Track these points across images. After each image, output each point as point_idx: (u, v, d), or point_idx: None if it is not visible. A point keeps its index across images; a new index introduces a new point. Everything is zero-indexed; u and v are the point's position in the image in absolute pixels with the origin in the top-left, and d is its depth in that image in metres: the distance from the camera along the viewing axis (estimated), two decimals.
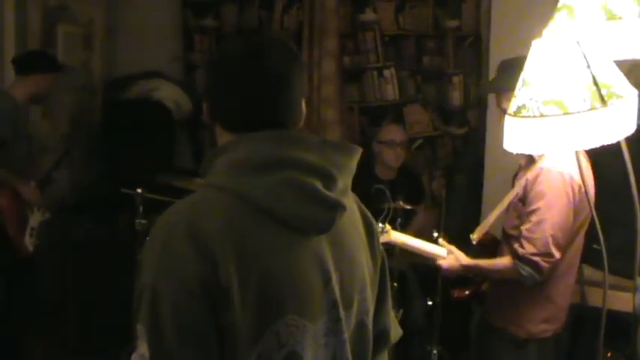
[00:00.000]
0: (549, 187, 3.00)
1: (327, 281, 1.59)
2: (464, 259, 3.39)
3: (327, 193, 1.55)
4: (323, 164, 1.56)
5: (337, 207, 1.58)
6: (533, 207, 3.03)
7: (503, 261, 3.17)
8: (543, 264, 3.00)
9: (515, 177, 3.35)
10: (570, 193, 2.98)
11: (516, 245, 3.08)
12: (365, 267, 1.74)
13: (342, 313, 1.63)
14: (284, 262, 1.51)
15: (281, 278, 1.50)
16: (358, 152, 1.68)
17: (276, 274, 1.49)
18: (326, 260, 1.60)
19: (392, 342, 1.95)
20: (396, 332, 1.96)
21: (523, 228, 3.06)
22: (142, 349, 1.42)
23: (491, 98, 4.65)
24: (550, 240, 2.98)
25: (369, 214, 1.84)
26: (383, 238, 3.64)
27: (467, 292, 3.65)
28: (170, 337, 1.40)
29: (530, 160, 3.13)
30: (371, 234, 1.81)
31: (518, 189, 3.15)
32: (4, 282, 4.75)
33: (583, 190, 2.96)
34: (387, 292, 1.90)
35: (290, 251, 1.53)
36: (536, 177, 3.04)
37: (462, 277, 3.60)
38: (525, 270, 3.04)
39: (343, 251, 1.66)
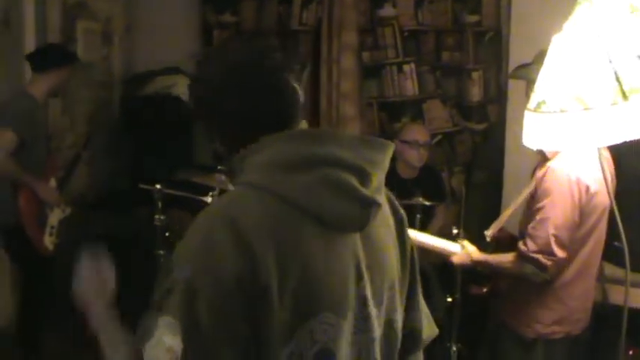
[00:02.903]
0: (554, 186, 2.98)
1: (359, 278, 1.59)
2: (475, 254, 3.38)
3: (363, 190, 1.54)
4: (357, 161, 1.55)
5: (373, 204, 1.57)
6: (539, 205, 3.03)
7: (510, 258, 3.16)
8: (545, 261, 2.98)
9: (533, 173, 3.33)
10: (576, 193, 2.96)
11: (520, 243, 3.07)
12: (394, 263, 1.73)
13: (372, 310, 1.62)
14: (320, 259, 1.51)
15: (318, 276, 1.50)
16: (391, 148, 1.67)
17: (313, 272, 1.49)
18: (359, 257, 1.60)
19: (425, 341, 1.91)
20: (429, 330, 1.92)
21: (529, 226, 3.05)
22: (170, 341, 1.41)
23: (513, 93, 4.61)
24: (552, 239, 2.97)
25: (399, 207, 1.82)
26: None
27: (484, 289, 3.63)
28: (207, 335, 1.40)
29: (544, 158, 3.11)
30: (401, 228, 1.79)
31: (531, 187, 3.14)
32: (24, 281, 4.79)
33: (593, 191, 2.95)
34: (416, 287, 1.89)
35: (326, 249, 1.53)
36: (544, 175, 3.03)
37: (481, 273, 3.59)
38: (528, 268, 3.03)
39: (374, 248, 1.65)
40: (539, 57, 3.25)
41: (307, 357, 1.49)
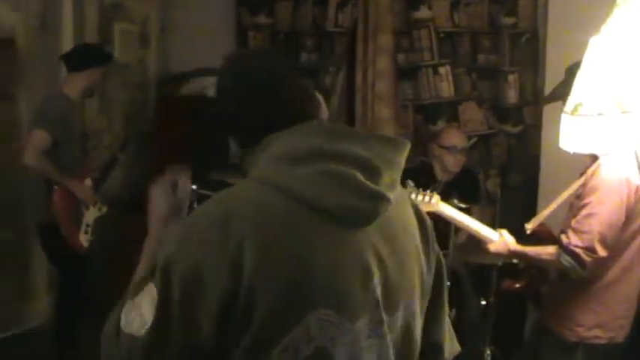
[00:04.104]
0: (603, 184, 2.95)
1: (367, 279, 1.55)
2: (512, 244, 3.35)
3: (367, 183, 1.52)
4: (366, 156, 1.54)
5: (379, 198, 1.54)
6: (586, 201, 3.00)
7: (549, 250, 3.13)
8: (585, 257, 2.95)
9: (581, 175, 3.29)
10: (625, 192, 2.94)
11: (563, 235, 3.04)
12: (415, 270, 1.69)
13: (384, 315, 1.59)
14: (321, 255, 1.49)
15: (313, 269, 1.48)
16: (406, 146, 1.66)
17: (310, 267, 1.48)
18: (368, 257, 1.55)
19: (447, 358, 1.87)
20: (452, 347, 1.88)
21: (573, 220, 3.02)
22: (146, 309, 1.45)
23: (548, 93, 4.58)
24: (596, 236, 2.94)
25: (426, 217, 1.79)
26: (429, 207, 3.59)
27: (517, 285, 3.59)
28: (172, 317, 1.43)
29: (594, 158, 3.08)
30: (425, 236, 1.76)
31: (577, 185, 3.11)
32: (60, 279, 4.83)
33: None
34: (441, 299, 1.85)
35: (331, 245, 1.51)
36: (593, 173, 2.99)
37: (515, 269, 3.56)
38: (567, 260, 3.00)
39: (391, 251, 1.61)
40: (569, 72, 3.24)
41: (302, 353, 1.47)
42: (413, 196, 3.61)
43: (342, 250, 1.53)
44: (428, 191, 3.66)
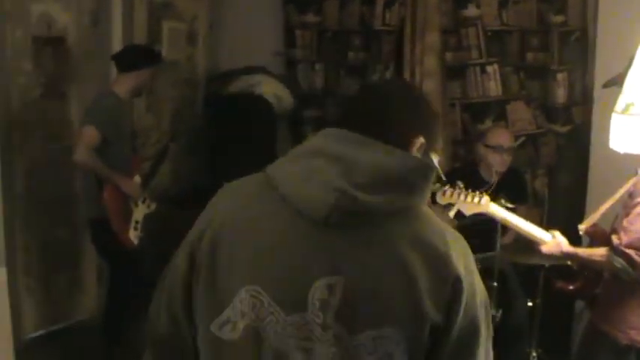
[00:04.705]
0: None
1: (313, 278, 1.51)
2: (564, 245, 3.31)
3: (336, 178, 1.50)
4: (360, 159, 1.52)
5: (341, 192, 1.49)
6: (638, 199, 2.95)
7: (601, 251, 3.08)
8: (637, 258, 2.90)
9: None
10: None
11: (614, 237, 3.00)
12: (398, 299, 1.51)
13: (334, 322, 1.51)
14: (270, 236, 1.56)
15: (260, 248, 1.56)
16: (427, 171, 1.60)
17: (255, 244, 1.56)
18: (327, 258, 1.51)
19: None
20: None
21: (625, 219, 2.98)
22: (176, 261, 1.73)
23: (599, 95, 4.53)
24: None
25: (457, 270, 1.56)
26: (478, 208, 3.58)
27: (570, 287, 3.55)
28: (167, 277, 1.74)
29: None
30: (438, 283, 1.54)
31: (630, 183, 3.07)
32: (110, 274, 4.89)
33: None
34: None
35: (284, 231, 1.55)
36: None
37: (569, 270, 3.52)
38: (619, 262, 2.95)
39: (363, 265, 1.52)
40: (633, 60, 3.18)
41: (238, 329, 1.55)
42: (462, 197, 3.59)
43: (298, 242, 1.54)
44: (477, 192, 3.64)
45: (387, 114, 1.65)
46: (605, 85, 3.52)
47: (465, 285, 1.56)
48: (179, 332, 1.71)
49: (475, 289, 1.60)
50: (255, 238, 1.57)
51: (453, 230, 1.65)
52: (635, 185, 3.02)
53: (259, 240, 1.56)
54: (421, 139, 1.66)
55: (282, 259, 1.54)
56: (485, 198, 3.63)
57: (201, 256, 1.62)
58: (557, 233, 3.39)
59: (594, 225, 3.31)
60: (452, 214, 3.62)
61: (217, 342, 1.57)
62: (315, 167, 1.54)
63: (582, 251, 3.26)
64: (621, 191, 3.14)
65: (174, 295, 1.70)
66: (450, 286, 1.54)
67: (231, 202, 1.67)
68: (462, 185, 3.63)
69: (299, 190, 1.53)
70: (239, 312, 1.54)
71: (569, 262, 3.53)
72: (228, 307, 1.55)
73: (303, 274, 1.52)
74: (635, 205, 2.95)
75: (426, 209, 1.63)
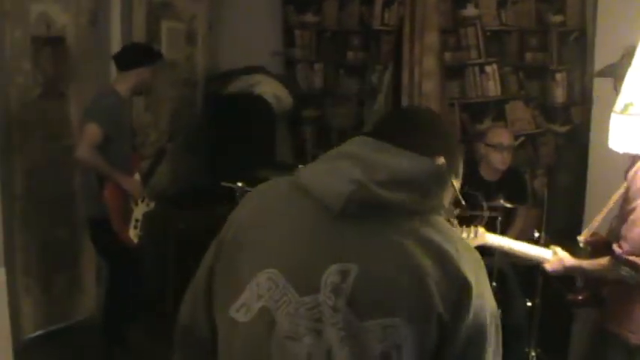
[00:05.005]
0: None
1: (328, 263, 1.56)
2: (567, 260, 3.31)
3: (358, 174, 1.58)
4: (382, 161, 1.61)
5: (356, 183, 1.56)
6: (632, 205, 2.93)
7: (603, 261, 3.08)
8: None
9: (626, 173, 3.25)
10: None
11: (615, 245, 2.99)
12: (407, 300, 1.54)
13: (339, 302, 1.54)
14: (290, 225, 1.64)
15: (279, 237, 1.64)
16: (444, 180, 1.69)
17: (276, 232, 1.64)
18: (340, 248, 1.57)
19: None
20: None
21: (622, 227, 2.97)
22: None
23: (599, 95, 4.52)
24: None
25: (464, 273, 1.57)
26: (477, 241, 3.60)
27: (580, 297, 3.54)
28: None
29: (634, 159, 3.03)
30: (447, 283, 1.56)
31: (623, 188, 3.07)
32: (109, 273, 4.90)
33: None
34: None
35: (303, 220, 1.63)
36: (635, 174, 2.94)
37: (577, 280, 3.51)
38: (624, 270, 2.94)
39: (376, 261, 1.56)
40: (629, 52, 3.17)
41: (253, 311, 1.59)
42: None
43: (315, 230, 1.61)
44: (472, 227, 3.67)
45: (412, 130, 1.75)
46: (599, 74, 3.51)
47: (475, 292, 1.57)
48: (197, 321, 1.80)
49: (485, 301, 1.61)
50: (275, 226, 1.66)
51: (467, 243, 1.70)
52: (626, 190, 3.01)
53: (279, 228, 1.65)
54: (442, 159, 1.73)
55: (300, 245, 1.61)
56: (481, 230, 3.68)
57: (225, 246, 1.73)
58: (558, 249, 3.38)
59: (593, 234, 3.31)
60: None
61: (232, 324, 1.62)
62: (339, 165, 1.63)
63: (586, 263, 3.25)
64: (615, 197, 3.14)
65: (198, 283, 1.79)
66: (459, 288, 1.56)
67: (258, 197, 1.78)
68: (455, 222, 3.64)
69: (320, 182, 1.63)
70: (255, 295, 1.59)
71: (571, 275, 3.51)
72: (245, 291, 1.61)
73: (318, 258, 1.57)
74: (630, 212, 2.94)
75: (442, 220, 1.67)
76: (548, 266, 3.38)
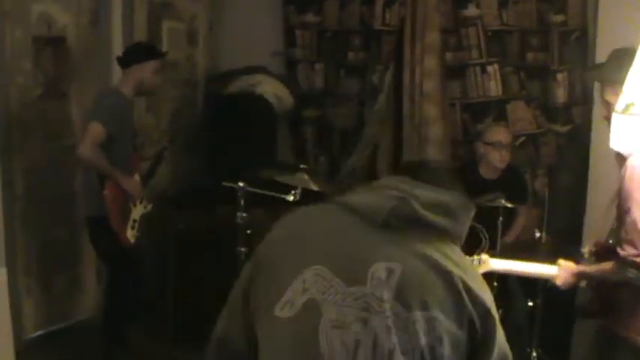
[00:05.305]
0: (635, 186, 2.87)
1: (373, 259, 1.69)
2: (573, 269, 3.30)
3: (402, 192, 1.77)
4: (416, 190, 1.78)
5: (399, 199, 1.75)
6: (625, 207, 2.92)
7: (607, 265, 3.07)
8: None
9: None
10: None
11: (619, 248, 2.98)
12: (444, 299, 1.69)
13: (386, 295, 1.65)
14: (336, 234, 1.78)
15: (324, 240, 1.77)
16: (468, 209, 1.87)
17: (320, 237, 1.78)
18: (384, 249, 1.72)
19: None
20: None
21: (621, 230, 2.96)
22: None
23: (598, 91, 4.52)
24: None
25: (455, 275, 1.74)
26: (482, 269, 3.60)
27: (592, 309, 3.52)
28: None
29: (622, 158, 3.01)
30: (453, 294, 1.71)
31: (615, 193, 3.06)
32: (109, 273, 4.89)
33: None
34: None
35: (347, 229, 1.78)
36: (623, 175, 2.93)
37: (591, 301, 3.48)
38: (631, 272, 2.93)
39: (415, 263, 1.71)
40: (614, 56, 3.16)
41: (297, 305, 1.67)
42: None
43: (359, 236, 1.75)
44: (474, 256, 3.67)
45: (437, 178, 1.90)
46: (586, 77, 3.49)
47: (492, 313, 1.75)
48: (232, 334, 1.88)
49: (497, 329, 1.77)
50: (317, 233, 1.80)
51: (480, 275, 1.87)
52: (620, 187, 3.00)
53: (322, 233, 1.80)
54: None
55: (345, 244, 1.75)
56: (484, 257, 3.67)
57: (263, 257, 1.84)
58: (561, 261, 3.37)
59: (596, 243, 3.30)
60: None
61: (277, 321, 1.69)
62: (381, 190, 1.82)
63: (590, 269, 3.24)
64: (613, 201, 3.12)
65: (235, 297, 1.87)
66: (482, 309, 1.73)
67: (293, 216, 1.90)
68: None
69: (364, 199, 1.81)
70: (300, 290, 1.68)
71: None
72: (287, 291, 1.70)
73: (363, 255, 1.71)
74: (625, 214, 2.92)
75: (463, 255, 1.85)
76: (559, 282, 3.34)
